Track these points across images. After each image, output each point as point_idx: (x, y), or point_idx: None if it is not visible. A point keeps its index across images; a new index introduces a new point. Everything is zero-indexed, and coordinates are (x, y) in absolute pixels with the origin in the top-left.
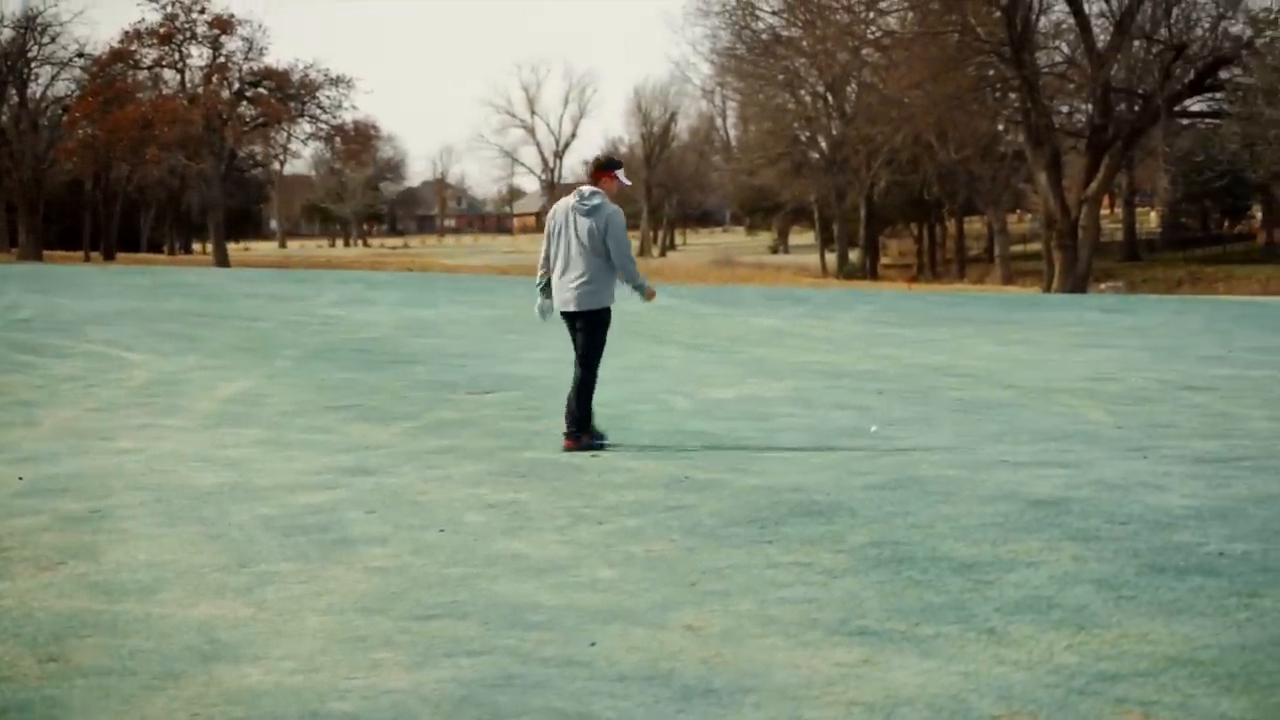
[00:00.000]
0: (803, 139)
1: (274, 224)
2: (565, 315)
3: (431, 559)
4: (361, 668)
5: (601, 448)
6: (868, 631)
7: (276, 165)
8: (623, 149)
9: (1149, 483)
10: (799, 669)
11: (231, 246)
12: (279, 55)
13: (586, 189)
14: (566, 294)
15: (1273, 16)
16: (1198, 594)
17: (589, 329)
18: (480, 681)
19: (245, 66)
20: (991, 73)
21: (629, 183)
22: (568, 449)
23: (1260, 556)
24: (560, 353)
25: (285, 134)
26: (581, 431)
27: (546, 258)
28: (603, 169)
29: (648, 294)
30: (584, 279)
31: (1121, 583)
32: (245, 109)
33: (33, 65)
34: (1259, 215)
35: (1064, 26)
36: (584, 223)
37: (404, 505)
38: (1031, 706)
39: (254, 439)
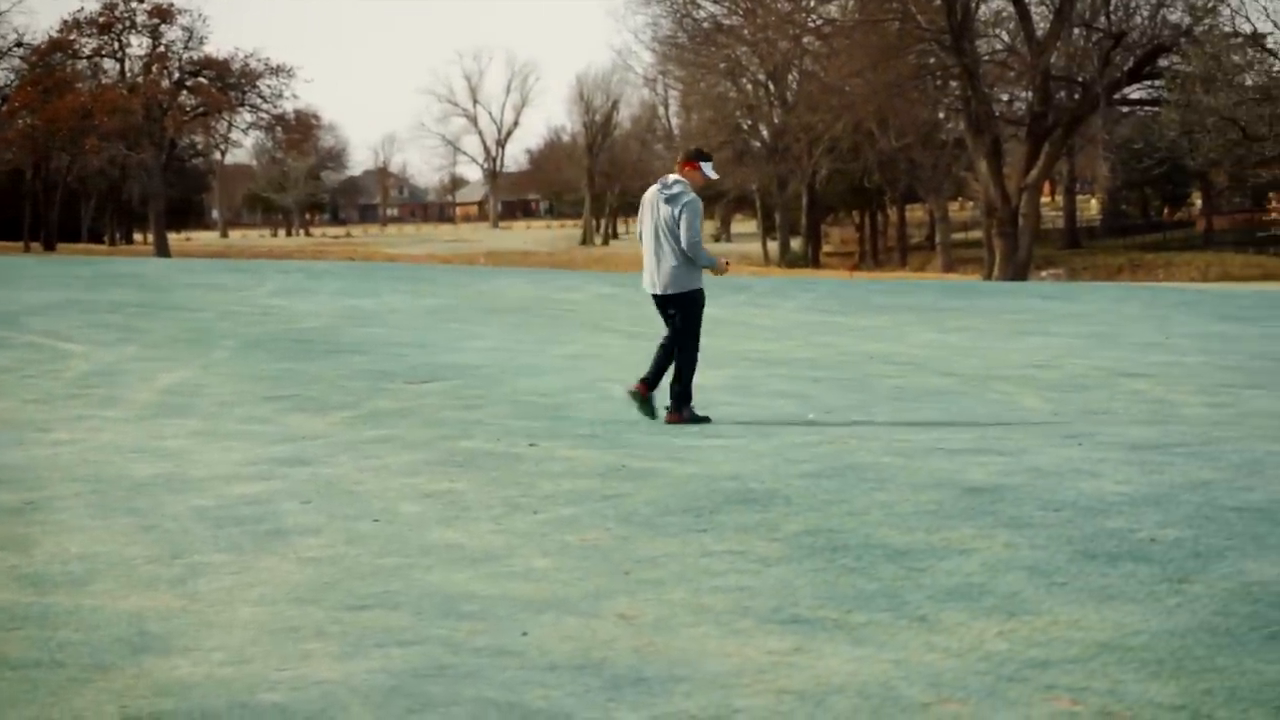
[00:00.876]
0: (744, 127)
1: (215, 214)
2: (655, 298)
3: (365, 549)
4: (292, 658)
5: (704, 420)
6: (800, 619)
7: (218, 155)
8: (565, 137)
9: (1083, 469)
10: (730, 657)
11: (173, 236)
12: (219, 44)
13: (670, 177)
14: (654, 278)
15: (1211, 4)
16: (1129, 580)
17: (681, 311)
18: (411, 672)
19: (185, 56)
20: (932, 61)
21: (715, 176)
22: (670, 421)
23: (1192, 542)
24: (501, 341)
25: (226, 123)
26: (683, 405)
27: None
28: (689, 159)
29: (720, 267)
30: (668, 263)
31: (1053, 569)
32: (185, 98)
33: None
34: (1198, 202)
35: (1004, 14)
36: (665, 209)
37: (339, 495)
38: (961, 694)
39: (191, 430)
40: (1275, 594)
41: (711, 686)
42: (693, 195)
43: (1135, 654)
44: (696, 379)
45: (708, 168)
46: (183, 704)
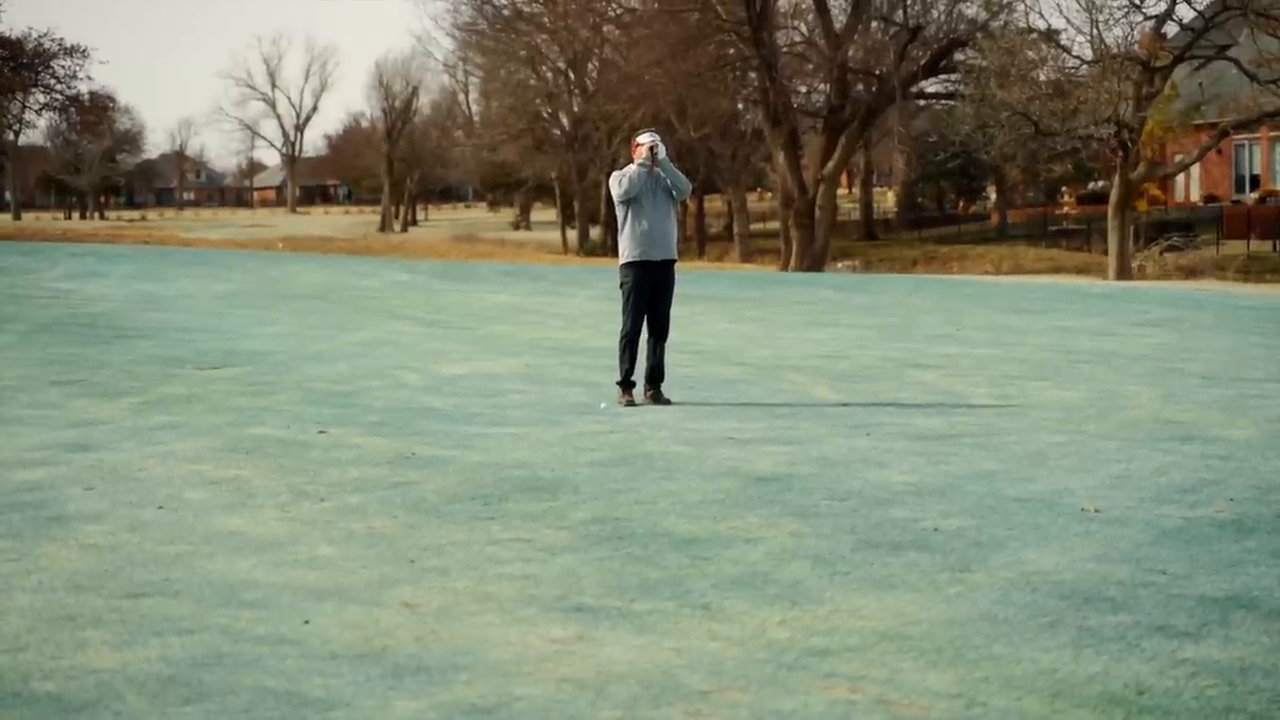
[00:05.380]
0: (544, 115)
1: (8, 196)
2: (650, 266)
3: (148, 536)
4: (68, 647)
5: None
6: (584, 608)
7: (10, 136)
8: (364, 123)
9: (870, 459)
10: (512, 646)
11: None
12: (11, 23)
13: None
14: (665, 242)
15: (1006, 0)
16: (910, 569)
17: (671, 277)
18: (189, 660)
19: None
20: (731, 51)
21: (649, 152)
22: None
23: (974, 532)
24: (293, 327)
25: (19, 104)
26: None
27: None
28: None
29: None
30: (673, 227)
31: (837, 558)
32: None
33: None
34: (993, 196)
35: (803, 6)
36: (653, 176)
37: (124, 482)
38: (741, 682)
39: None
40: (1054, 583)
41: (492, 674)
42: (619, 172)
43: (914, 643)
44: (496, 367)
45: (644, 138)
46: None
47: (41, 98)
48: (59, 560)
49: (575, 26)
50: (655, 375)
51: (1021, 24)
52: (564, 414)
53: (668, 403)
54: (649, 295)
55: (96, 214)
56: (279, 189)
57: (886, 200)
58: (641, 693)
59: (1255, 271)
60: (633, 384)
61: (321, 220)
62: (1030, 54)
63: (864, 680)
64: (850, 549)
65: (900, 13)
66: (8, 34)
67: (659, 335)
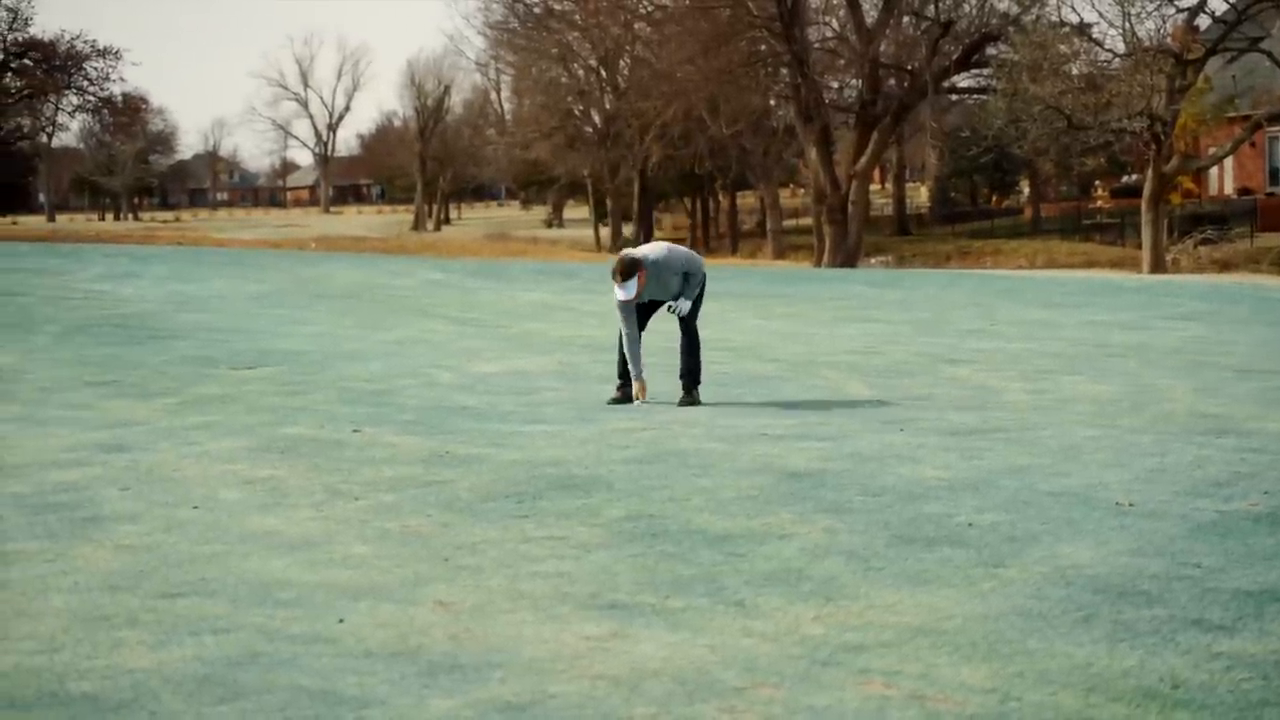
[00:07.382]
0: (576, 113)
1: (43, 197)
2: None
3: (183, 536)
4: (104, 647)
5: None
6: (618, 605)
7: (44, 138)
8: (397, 122)
9: (904, 454)
10: (547, 643)
11: None
12: (44, 25)
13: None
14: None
15: None
16: (945, 564)
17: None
18: (224, 660)
19: (10, 38)
20: (763, 48)
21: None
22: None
23: (1008, 527)
24: (327, 327)
25: (52, 106)
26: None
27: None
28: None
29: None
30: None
31: (871, 554)
32: (10, 81)
33: None
34: (1026, 190)
35: (834, 2)
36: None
37: (159, 482)
38: (775, 678)
39: (11, 415)
40: (1088, 577)
41: (527, 672)
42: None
43: (948, 638)
44: (529, 365)
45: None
46: None
47: (75, 99)
48: (95, 561)
49: (606, 24)
50: (685, 376)
51: (1053, 18)
52: (597, 411)
53: (697, 403)
54: (648, 317)
55: (130, 215)
56: (312, 189)
57: (919, 195)
58: (676, 689)
59: None
60: (627, 384)
61: (355, 220)
62: (1062, 48)
63: (898, 676)
64: (884, 544)
65: (932, 8)
66: (41, 36)
67: (685, 344)
